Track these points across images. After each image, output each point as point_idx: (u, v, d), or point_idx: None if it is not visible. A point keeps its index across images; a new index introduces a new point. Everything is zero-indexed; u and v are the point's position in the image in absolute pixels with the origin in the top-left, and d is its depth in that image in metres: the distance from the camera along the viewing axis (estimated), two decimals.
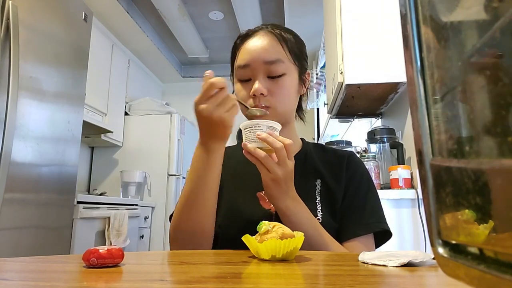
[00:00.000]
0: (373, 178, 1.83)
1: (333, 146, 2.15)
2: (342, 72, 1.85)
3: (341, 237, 0.74)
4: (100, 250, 0.44)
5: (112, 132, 3.25)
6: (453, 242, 0.19)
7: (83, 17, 2.12)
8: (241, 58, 0.79)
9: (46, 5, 1.84)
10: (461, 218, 0.18)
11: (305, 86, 0.86)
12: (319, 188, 0.79)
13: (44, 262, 0.51)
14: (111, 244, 2.39)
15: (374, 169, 1.86)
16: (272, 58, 0.77)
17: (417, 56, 0.21)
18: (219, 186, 0.74)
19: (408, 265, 0.45)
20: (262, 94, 0.75)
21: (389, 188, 1.75)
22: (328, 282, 0.39)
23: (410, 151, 1.88)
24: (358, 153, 2.12)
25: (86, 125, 2.66)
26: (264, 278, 0.41)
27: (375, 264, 0.46)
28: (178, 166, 3.54)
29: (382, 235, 0.78)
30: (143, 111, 3.69)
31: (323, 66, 3.05)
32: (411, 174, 1.74)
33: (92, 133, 3.12)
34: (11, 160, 1.52)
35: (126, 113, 3.65)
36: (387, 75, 1.78)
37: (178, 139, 3.60)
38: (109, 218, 2.42)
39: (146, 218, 3.22)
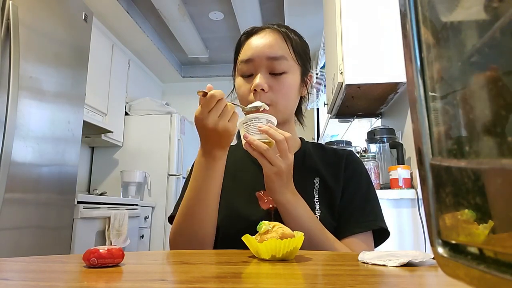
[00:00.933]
0: (373, 178, 1.84)
1: (333, 146, 2.15)
2: (342, 72, 1.85)
3: (339, 235, 0.74)
4: (100, 250, 0.44)
5: (112, 132, 3.25)
6: (453, 242, 0.19)
7: (83, 17, 2.12)
8: (244, 53, 0.79)
9: (46, 5, 1.84)
10: (461, 218, 0.18)
11: (306, 88, 0.86)
12: (318, 186, 0.79)
13: (44, 262, 0.51)
14: (111, 244, 2.39)
15: (374, 169, 1.86)
16: (276, 54, 0.76)
17: (417, 56, 0.21)
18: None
19: (408, 265, 0.45)
20: (263, 90, 0.75)
21: (389, 188, 1.75)
22: (328, 282, 0.39)
23: (410, 151, 1.88)
24: (358, 153, 2.12)
25: (86, 125, 2.66)
26: (264, 278, 0.41)
27: (375, 264, 0.46)
28: (178, 166, 3.54)
29: (381, 234, 0.78)
30: (143, 111, 3.69)
31: (323, 66, 3.05)
32: (411, 174, 1.74)
33: (92, 133, 3.12)
34: (11, 160, 1.52)
35: (126, 113, 3.65)
36: (387, 75, 1.78)
37: (178, 139, 3.60)
38: (109, 218, 2.42)
39: (146, 218, 3.22)
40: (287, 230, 0.53)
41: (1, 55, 1.52)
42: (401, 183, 1.70)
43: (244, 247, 0.55)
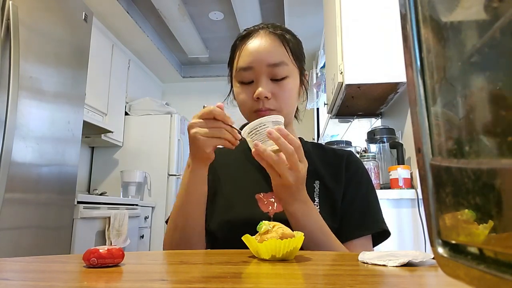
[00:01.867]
0: (373, 178, 1.84)
1: (333, 146, 2.15)
2: (342, 72, 1.85)
3: (341, 238, 0.74)
4: (100, 250, 0.44)
5: (112, 132, 3.25)
6: (453, 242, 0.19)
7: (83, 17, 2.12)
8: (242, 60, 0.77)
9: (46, 5, 1.84)
10: (461, 218, 0.18)
11: (304, 87, 0.86)
12: (318, 189, 0.78)
13: (44, 262, 0.51)
14: (111, 244, 2.39)
15: (374, 169, 1.86)
16: (276, 61, 0.75)
17: (417, 56, 0.21)
18: (214, 187, 0.76)
19: (408, 265, 0.45)
20: (266, 97, 0.74)
21: (389, 188, 1.75)
22: (328, 282, 0.39)
23: (410, 151, 1.88)
24: (358, 153, 2.12)
25: (86, 125, 2.66)
26: (264, 278, 0.41)
27: (375, 264, 0.46)
28: (178, 166, 3.54)
29: (380, 234, 0.78)
30: (143, 111, 3.69)
31: (323, 66, 3.05)
32: (411, 174, 1.74)
33: (92, 133, 3.12)
34: (11, 160, 1.52)
35: (126, 113, 3.65)
36: (387, 75, 1.78)
37: (178, 139, 3.60)
38: (109, 218, 2.42)
39: (146, 218, 3.22)
40: (287, 230, 0.53)
41: (1, 55, 1.52)
42: (401, 183, 1.70)
43: (244, 248, 0.55)
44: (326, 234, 0.68)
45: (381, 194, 1.62)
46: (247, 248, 0.55)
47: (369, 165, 1.86)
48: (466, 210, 0.18)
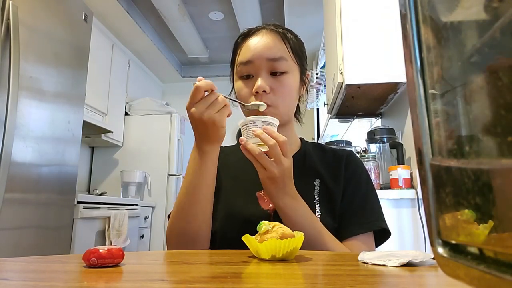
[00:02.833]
0: (373, 178, 1.84)
1: (333, 146, 2.15)
2: (342, 72, 1.85)
3: (340, 236, 0.74)
4: (100, 250, 0.44)
5: (112, 132, 3.25)
6: (453, 242, 0.19)
7: (83, 17, 2.12)
8: (243, 55, 0.79)
9: (46, 5, 1.84)
10: (461, 218, 0.18)
11: (305, 87, 0.86)
12: (318, 188, 0.79)
13: (44, 262, 0.51)
14: (111, 244, 2.39)
15: (374, 169, 1.86)
16: (276, 56, 0.76)
17: (417, 56, 0.21)
18: (216, 186, 0.75)
19: (408, 265, 0.45)
20: (264, 91, 0.75)
21: (389, 188, 1.75)
22: (328, 282, 0.39)
23: (410, 151, 1.88)
24: (358, 153, 2.12)
25: (86, 125, 2.66)
26: (264, 278, 0.41)
27: (375, 264, 0.46)
28: (178, 166, 3.54)
29: (381, 234, 0.78)
30: (143, 111, 3.69)
31: (323, 66, 3.05)
32: (411, 174, 1.74)
33: (92, 133, 3.12)
34: (11, 160, 1.52)
35: (126, 113, 3.65)
36: (387, 75, 1.78)
37: (178, 139, 3.60)
38: (109, 218, 2.42)
39: (146, 218, 3.22)
40: (287, 230, 0.53)
41: (1, 55, 1.52)
42: (401, 183, 1.70)
43: (244, 247, 0.55)
44: (318, 229, 0.68)
45: (381, 194, 1.62)
46: (247, 247, 0.55)
47: (369, 165, 1.86)
48: (466, 210, 0.18)
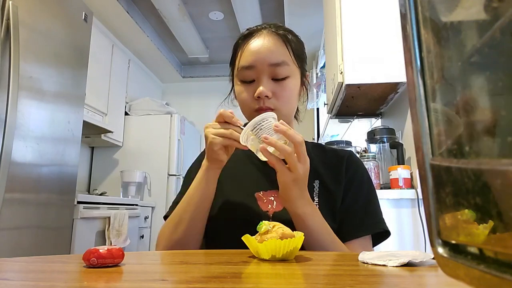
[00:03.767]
0: (373, 178, 1.84)
1: (333, 146, 2.15)
2: (342, 72, 1.85)
3: (341, 237, 0.74)
4: (100, 250, 0.44)
5: (112, 132, 3.25)
6: (453, 242, 0.19)
7: (83, 17, 2.12)
8: (245, 59, 0.78)
9: (46, 5, 1.84)
10: (461, 218, 0.18)
11: (305, 88, 0.86)
12: (317, 189, 0.78)
13: (44, 262, 0.51)
14: (111, 244, 2.39)
15: (374, 169, 1.86)
16: (278, 60, 0.76)
17: (417, 56, 0.21)
18: (219, 185, 0.75)
19: (408, 265, 0.45)
20: (266, 96, 0.75)
21: (389, 188, 1.75)
22: (328, 282, 0.39)
23: (410, 151, 1.88)
24: (358, 153, 2.12)
25: (86, 125, 2.66)
26: (264, 278, 0.41)
27: (375, 264, 0.46)
28: (178, 166, 3.54)
29: (380, 234, 0.78)
30: (143, 111, 3.69)
31: (323, 66, 3.05)
32: (411, 174, 1.74)
33: (92, 133, 3.12)
34: (11, 160, 1.52)
35: (126, 113, 3.65)
36: (387, 75, 1.78)
37: (178, 139, 3.60)
38: (109, 218, 2.42)
39: (146, 218, 3.22)
40: (287, 230, 0.53)
41: (1, 55, 1.52)
42: (401, 183, 1.70)
43: (244, 247, 0.55)
44: (331, 234, 0.68)
45: (381, 194, 1.62)
46: (247, 248, 0.55)
47: (369, 165, 1.86)
48: (466, 210, 0.18)
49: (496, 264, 0.16)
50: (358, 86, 1.88)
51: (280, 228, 0.53)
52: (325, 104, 2.81)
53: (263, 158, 0.63)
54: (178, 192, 0.88)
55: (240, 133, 0.64)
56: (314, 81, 3.12)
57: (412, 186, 1.72)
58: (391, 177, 1.75)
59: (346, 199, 0.78)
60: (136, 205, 2.99)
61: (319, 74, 3.13)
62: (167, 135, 3.57)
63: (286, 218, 0.68)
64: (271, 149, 0.61)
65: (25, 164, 1.65)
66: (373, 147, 2.06)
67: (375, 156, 1.96)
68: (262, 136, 0.61)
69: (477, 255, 0.18)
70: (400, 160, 1.83)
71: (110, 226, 2.40)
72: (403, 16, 0.22)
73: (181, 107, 4.44)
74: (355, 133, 2.71)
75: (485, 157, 0.17)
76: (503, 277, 0.15)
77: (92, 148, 3.62)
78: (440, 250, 0.20)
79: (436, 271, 0.43)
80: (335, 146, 2.17)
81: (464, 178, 0.17)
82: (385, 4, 1.84)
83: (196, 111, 4.57)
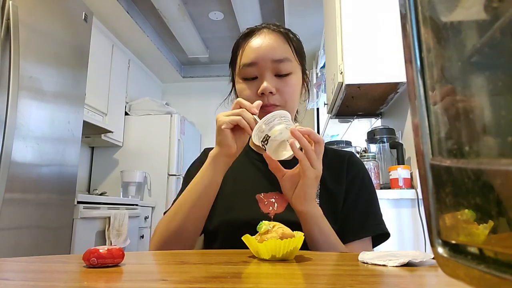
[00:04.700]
0: (373, 178, 1.84)
1: (333, 146, 2.15)
2: (342, 72, 1.85)
3: (341, 239, 0.74)
4: (100, 250, 0.44)
5: (112, 132, 3.25)
6: (453, 242, 0.19)
7: (83, 17, 2.12)
8: (246, 56, 0.77)
9: (46, 5, 1.84)
10: (461, 218, 0.18)
11: (306, 86, 0.86)
12: (318, 190, 0.78)
13: (44, 262, 0.51)
14: (111, 244, 2.39)
15: (374, 169, 1.86)
16: (281, 57, 0.76)
17: (417, 56, 0.21)
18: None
19: (408, 265, 0.45)
20: (270, 92, 0.75)
21: (389, 188, 1.75)
22: (328, 282, 0.39)
23: (410, 151, 1.88)
24: (358, 153, 2.12)
25: (86, 125, 2.66)
26: (264, 278, 0.41)
27: (375, 264, 0.46)
28: (178, 166, 3.54)
29: (380, 236, 0.79)
30: (143, 111, 3.69)
31: (323, 66, 3.05)
32: (411, 174, 1.74)
33: (92, 133, 3.12)
34: (11, 160, 1.52)
35: (126, 113, 3.65)
36: (387, 75, 1.78)
37: (178, 139, 3.60)
38: (109, 218, 2.42)
39: (146, 218, 3.22)
40: (287, 230, 0.53)
41: (1, 55, 1.51)
42: (401, 183, 1.70)
43: (244, 248, 0.55)
44: (336, 235, 0.69)
45: (381, 194, 1.62)
46: (247, 248, 0.55)
47: (369, 165, 1.86)
48: (466, 210, 0.18)
49: (496, 264, 0.16)
50: (358, 86, 1.88)
51: (280, 228, 0.53)
52: (325, 104, 2.81)
53: (275, 156, 0.62)
54: (178, 191, 0.88)
55: (252, 119, 0.64)
56: (314, 81, 3.12)
57: (412, 186, 1.72)
58: (391, 177, 1.75)
59: (347, 200, 0.78)
60: (136, 205, 2.99)
61: (319, 74, 3.13)
62: (167, 135, 3.57)
63: (287, 220, 0.67)
64: (297, 145, 0.60)
65: (25, 164, 1.65)
66: (373, 147, 2.06)
67: (375, 156, 1.96)
68: (290, 128, 0.60)
69: (477, 255, 0.18)
70: (400, 160, 1.83)
71: (110, 226, 2.40)
72: (403, 16, 0.22)
73: (181, 107, 4.44)
74: (355, 133, 2.71)
75: (485, 157, 0.17)
76: (503, 277, 0.15)
77: (92, 148, 3.62)
78: (440, 250, 0.20)
79: (436, 271, 0.43)
80: (335, 146, 2.17)
81: (464, 178, 0.17)
82: (385, 4, 1.84)
83: (196, 111, 4.57)
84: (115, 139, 3.42)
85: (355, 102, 2.15)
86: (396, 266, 0.44)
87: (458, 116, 0.19)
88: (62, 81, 1.93)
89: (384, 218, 0.80)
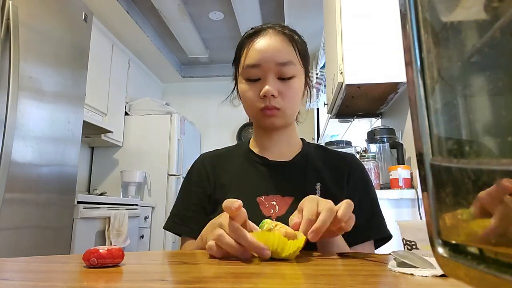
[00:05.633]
0: (373, 178, 1.84)
1: (333, 146, 2.15)
2: (342, 72, 1.85)
3: (347, 242, 0.74)
4: (100, 250, 0.44)
5: (112, 132, 3.24)
6: (453, 242, 0.19)
7: (83, 17, 2.12)
8: (251, 57, 0.77)
9: (46, 5, 1.84)
10: (461, 218, 0.18)
11: (309, 88, 0.86)
12: (319, 192, 0.78)
13: (44, 262, 0.51)
14: (111, 244, 2.39)
15: (374, 169, 1.86)
16: (285, 60, 0.75)
17: (417, 56, 0.21)
18: (216, 191, 0.76)
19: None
20: (272, 95, 0.74)
21: (389, 188, 1.75)
22: (328, 282, 0.39)
23: (410, 151, 1.88)
24: (358, 153, 2.12)
25: (86, 125, 2.66)
26: (264, 278, 0.41)
27: (402, 273, 0.43)
28: (178, 166, 3.54)
29: (382, 238, 0.79)
30: (143, 111, 3.69)
31: (323, 66, 3.05)
32: (411, 174, 1.74)
33: (92, 133, 3.12)
34: (11, 160, 1.52)
35: (126, 113, 3.65)
36: (387, 75, 1.78)
37: (178, 139, 3.60)
38: (109, 218, 2.42)
39: (146, 218, 3.22)
40: (289, 229, 0.53)
41: (1, 55, 1.51)
42: (401, 183, 1.70)
43: None
44: (346, 244, 0.70)
45: (381, 194, 1.62)
46: None
47: (369, 165, 1.86)
48: (466, 210, 0.18)
49: (496, 264, 0.16)
50: (358, 86, 1.88)
51: (283, 227, 0.53)
52: (325, 104, 2.81)
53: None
54: (176, 198, 0.88)
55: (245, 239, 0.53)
56: (314, 81, 3.12)
57: (412, 186, 1.71)
58: (391, 177, 1.75)
59: None
60: (136, 205, 2.99)
61: (319, 74, 3.13)
62: (167, 135, 3.57)
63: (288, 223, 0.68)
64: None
65: (25, 164, 1.65)
66: (373, 147, 2.06)
67: (375, 156, 1.96)
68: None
69: (477, 255, 0.18)
70: (400, 160, 1.83)
71: (110, 226, 2.40)
72: (403, 16, 0.22)
73: (181, 107, 4.44)
74: (355, 133, 2.71)
75: (485, 157, 0.17)
76: (503, 277, 0.15)
77: (92, 148, 3.62)
78: (440, 250, 0.20)
79: None
80: (335, 146, 2.17)
81: (464, 178, 0.17)
82: (385, 4, 1.84)
83: (196, 111, 4.57)
84: (115, 139, 3.42)
85: (355, 102, 2.15)
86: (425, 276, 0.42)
87: (459, 116, 0.19)
88: (62, 81, 1.93)
89: (384, 218, 0.80)
